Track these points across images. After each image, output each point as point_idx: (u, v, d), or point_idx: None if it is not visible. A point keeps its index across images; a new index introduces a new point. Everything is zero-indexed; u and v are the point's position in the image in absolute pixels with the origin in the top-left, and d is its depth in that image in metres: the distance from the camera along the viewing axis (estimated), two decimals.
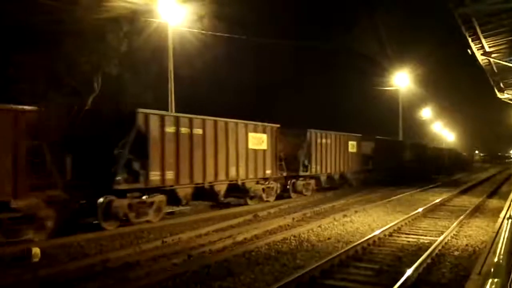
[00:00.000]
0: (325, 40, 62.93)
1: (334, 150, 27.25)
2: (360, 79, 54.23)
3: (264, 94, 47.34)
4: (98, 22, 22.12)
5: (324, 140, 26.05)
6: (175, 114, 16.81)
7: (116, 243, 11.98)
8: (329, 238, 12.67)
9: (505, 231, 4.57)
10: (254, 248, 11.20)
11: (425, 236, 13.09)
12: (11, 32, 20.07)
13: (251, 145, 19.58)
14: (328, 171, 26.56)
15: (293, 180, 23.53)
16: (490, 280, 2.68)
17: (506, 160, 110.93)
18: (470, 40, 17.00)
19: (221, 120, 17.90)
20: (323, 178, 26.28)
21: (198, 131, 16.56)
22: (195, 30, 24.62)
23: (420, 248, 11.34)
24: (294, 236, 12.75)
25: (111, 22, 23.13)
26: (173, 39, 23.17)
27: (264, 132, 20.56)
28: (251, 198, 20.07)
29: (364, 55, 53.30)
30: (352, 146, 29.64)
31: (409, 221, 15.46)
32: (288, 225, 14.84)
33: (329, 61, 59.51)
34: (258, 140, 20.15)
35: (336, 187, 28.12)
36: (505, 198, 21.77)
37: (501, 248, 3.65)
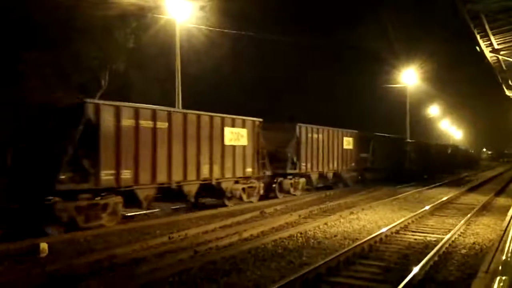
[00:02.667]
0: (332, 37, 62.74)
1: (327, 147, 25.38)
2: (368, 76, 54.21)
3: (271, 91, 47.35)
4: (105, 19, 22.18)
5: (316, 136, 24.20)
6: (134, 104, 14.36)
7: (123, 238, 12.02)
8: (335, 236, 12.66)
9: None
10: (260, 244, 11.21)
11: (432, 234, 13.04)
12: (20, 29, 20.17)
13: (227, 141, 17.95)
14: (320, 169, 24.77)
15: (280, 179, 21.71)
16: (498, 278, 2.66)
17: None
18: (478, 37, 16.91)
19: (191, 113, 16.34)
20: (314, 176, 24.47)
21: (162, 124, 14.96)
22: (203, 27, 24.64)
23: (427, 246, 11.30)
24: (301, 233, 12.74)
25: (118, 19, 23.18)
26: (180, 35, 23.18)
27: (243, 126, 18.89)
28: (229, 198, 18.36)
29: (372, 52, 53.19)
30: (347, 142, 27.61)
31: (416, 219, 15.40)
32: (294, 222, 14.84)
33: (337, 59, 59.47)
34: (237, 135, 18.47)
35: (330, 187, 26.37)
36: None
37: (509, 246, 3.63)
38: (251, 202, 19.21)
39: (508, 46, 18.73)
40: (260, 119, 19.87)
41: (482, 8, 14.08)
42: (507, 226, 11.99)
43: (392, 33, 52.91)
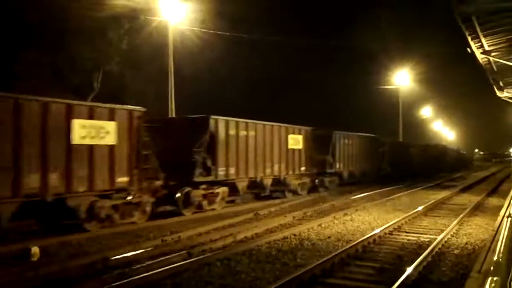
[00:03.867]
0: (327, 38, 62.92)
1: (262, 146, 20.38)
2: (361, 77, 54.39)
3: (265, 92, 47.44)
4: (99, 20, 22.16)
5: (243, 132, 19.22)
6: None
7: (116, 241, 11.99)
8: (329, 237, 12.69)
9: (505, 229, 4.60)
10: (255, 246, 11.22)
11: (426, 234, 13.10)
12: (15, 29, 20.12)
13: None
14: (252, 174, 19.75)
15: (187, 189, 16.76)
16: (490, 278, 2.70)
17: (506, 159, 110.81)
18: (469, 38, 17.01)
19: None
20: (241, 184, 19.22)
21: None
22: (196, 29, 24.64)
23: (421, 247, 11.35)
24: (295, 235, 12.77)
25: (112, 20, 23.16)
26: (174, 37, 23.18)
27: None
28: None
29: (366, 54, 53.38)
30: (295, 141, 22.99)
31: (409, 220, 15.47)
32: (288, 224, 14.86)
33: (331, 59, 59.62)
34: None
35: (269, 196, 21.91)
36: (504, 196, 21.79)
37: (500, 246, 3.67)
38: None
39: (498, 48, 18.85)
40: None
41: (473, 10, 14.16)
42: (499, 226, 12.07)
43: (387, 34, 53.09)
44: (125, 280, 8.17)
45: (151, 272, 8.67)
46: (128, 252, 10.35)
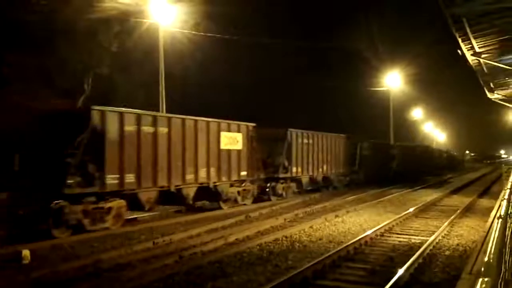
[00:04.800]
0: (317, 40, 63.03)
1: (181, 147, 16.46)
2: (352, 79, 54.54)
3: (255, 93, 47.44)
4: (89, 22, 22.06)
5: (145, 129, 14.95)
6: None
7: (107, 244, 11.92)
8: (320, 239, 12.68)
9: (495, 231, 4.61)
10: (246, 248, 11.19)
11: (417, 236, 13.13)
12: (4, 31, 19.97)
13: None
14: (163, 183, 15.72)
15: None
16: (480, 279, 2.69)
17: (497, 160, 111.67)
18: (460, 40, 17.11)
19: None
20: (145, 196, 15.10)
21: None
22: (186, 31, 24.59)
23: (412, 248, 11.38)
24: (286, 237, 12.75)
25: (102, 23, 23.08)
26: (164, 39, 23.13)
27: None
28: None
29: (357, 55, 53.57)
30: (230, 140, 18.91)
31: (400, 221, 15.51)
32: (280, 226, 14.84)
33: (322, 61, 59.77)
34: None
35: (192, 206, 18.03)
36: (495, 197, 21.88)
37: (491, 247, 3.68)
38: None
39: (489, 49, 18.98)
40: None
41: (464, 11, 14.25)
42: (489, 228, 12.11)
43: (377, 35, 53.30)
44: (117, 283, 8.11)
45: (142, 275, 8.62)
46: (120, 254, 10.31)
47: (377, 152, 35.51)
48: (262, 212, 17.86)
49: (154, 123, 15.23)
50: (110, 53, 24.53)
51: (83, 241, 12.18)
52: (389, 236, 13.12)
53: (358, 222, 15.68)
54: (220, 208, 18.52)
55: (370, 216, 17.12)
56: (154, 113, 15.99)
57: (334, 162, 28.09)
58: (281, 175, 22.57)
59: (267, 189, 21.88)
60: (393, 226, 14.57)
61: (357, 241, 11.65)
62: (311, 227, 14.41)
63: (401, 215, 16.44)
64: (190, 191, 16.84)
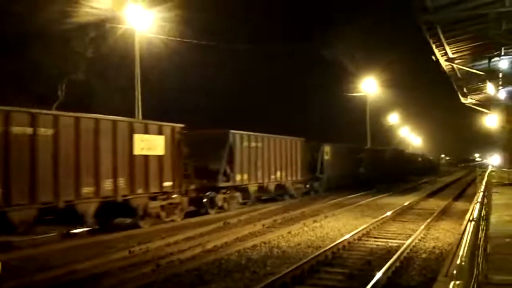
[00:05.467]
0: (292, 45, 63.40)
1: (74, 151, 13.26)
2: (329, 84, 54.92)
3: (234, 98, 47.49)
4: (64, 28, 21.84)
5: (29, 131, 12.06)
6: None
7: (83, 253, 11.71)
8: (299, 244, 12.69)
9: (468, 233, 4.67)
10: (224, 255, 11.14)
11: (394, 239, 13.24)
12: None
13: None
14: (47, 198, 12.32)
15: None
16: (452, 282, 2.72)
17: (471, 164, 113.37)
18: (434, 46, 17.41)
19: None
20: (85, 208, 13.40)
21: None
22: (162, 37, 24.50)
23: (389, 252, 11.46)
24: (264, 243, 12.73)
25: (77, 28, 22.86)
26: (141, 44, 23.00)
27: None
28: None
29: (333, 61, 53.99)
30: (147, 144, 15.64)
31: (377, 225, 15.62)
32: (258, 232, 14.82)
33: (300, 67, 60.06)
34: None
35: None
36: (470, 200, 22.17)
37: (463, 250, 3.73)
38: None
39: (462, 55, 19.35)
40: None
41: (437, 19, 14.50)
42: (464, 230, 12.29)
43: (353, 42, 53.77)
44: None
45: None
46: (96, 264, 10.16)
47: (343, 157, 33.07)
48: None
49: (31, 122, 12.13)
50: (85, 59, 24.30)
51: (54, 252, 11.95)
52: (367, 240, 13.21)
53: (336, 226, 15.71)
54: (138, 226, 15.31)
55: (348, 220, 17.18)
56: (32, 110, 12.59)
57: (290, 168, 24.89)
58: (222, 184, 19.46)
59: (205, 200, 18.72)
60: (370, 230, 14.66)
61: (335, 245, 11.68)
62: (289, 232, 14.39)
63: (379, 218, 16.54)
64: (90, 207, 13.54)
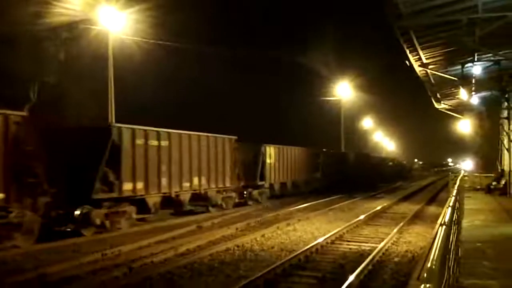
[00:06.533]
0: (267, 50, 63.71)
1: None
2: (302, 88, 55.23)
3: (197, 102, 47.64)
4: (35, 30, 21.46)
5: None
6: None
7: (54, 257, 11.48)
8: (272, 247, 12.65)
9: (439, 237, 4.69)
10: (197, 259, 11.03)
11: (367, 243, 13.30)
12: None
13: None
14: None
15: None
16: (422, 286, 2.71)
17: (444, 168, 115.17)
18: (408, 51, 17.59)
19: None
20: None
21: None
22: (136, 38, 24.27)
23: (362, 255, 11.50)
24: (238, 246, 12.65)
25: (48, 29, 22.49)
26: (114, 46, 22.75)
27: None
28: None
29: (307, 66, 54.29)
30: None
31: (351, 229, 15.68)
32: (231, 235, 14.72)
33: (272, 71, 60.30)
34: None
35: None
36: (442, 205, 22.40)
37: (434, 254, 3.73)
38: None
39: (435, 60, 19.59)
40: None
41: (411, 24, 14.67)
42: (436, 234, 12.42)
43: (326, 47, 54.21)
44: None
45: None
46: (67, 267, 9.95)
47: (294, 161, 29.67)
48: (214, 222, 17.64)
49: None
50: (58, 61, 23.91)
51: (28, 254, 11.70)
52: (340, 244, 13.24)
53: (310, 230, 15.72)
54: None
55: (322, 224, 17.20)
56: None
57: (215, 173, 20.57)
58: (99, 196, 14.66)
59: (76, 218, 13.94)
60: (343, 233, 14.71)
61: (308, 249, 11.70)
62: (263, 235, 14.34)
63: (352, 222, 16.60)
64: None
